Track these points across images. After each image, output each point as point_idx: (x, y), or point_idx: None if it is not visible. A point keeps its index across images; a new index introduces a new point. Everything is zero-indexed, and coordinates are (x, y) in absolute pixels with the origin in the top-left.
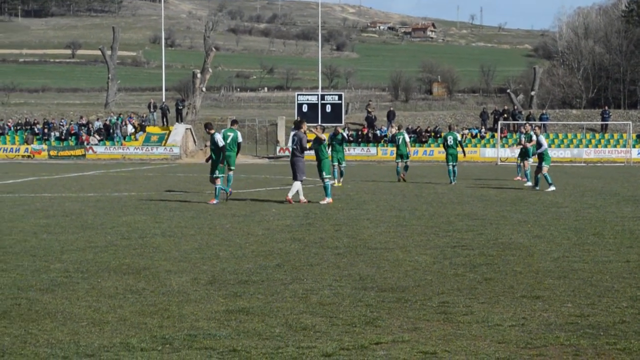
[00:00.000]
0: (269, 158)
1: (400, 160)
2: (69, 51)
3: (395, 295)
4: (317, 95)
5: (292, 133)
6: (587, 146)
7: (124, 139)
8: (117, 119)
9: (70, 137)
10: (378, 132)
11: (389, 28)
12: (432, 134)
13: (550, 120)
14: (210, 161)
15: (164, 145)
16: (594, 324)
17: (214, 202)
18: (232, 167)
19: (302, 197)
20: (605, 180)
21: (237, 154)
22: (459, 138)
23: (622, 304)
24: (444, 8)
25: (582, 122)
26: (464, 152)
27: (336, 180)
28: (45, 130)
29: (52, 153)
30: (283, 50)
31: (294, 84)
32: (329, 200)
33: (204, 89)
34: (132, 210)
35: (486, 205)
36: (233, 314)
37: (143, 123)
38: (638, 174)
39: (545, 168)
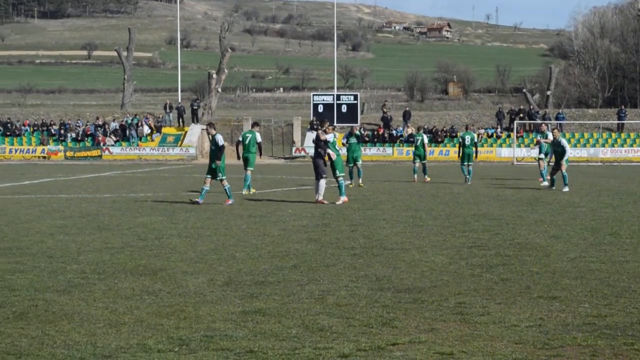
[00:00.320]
0: (285, 158)
1: (417, 161)
2: (85, 52)
3: (411, 295)
4: (333, 95)
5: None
6: (603, 145)
7: (140, 139)
8: (133, 120)
9: (86, 138)
10: (394, 132)
11: (405, 28)
12: (448, 133)
13: (567, 120)
14: (213, 163)
15: (180, 145)
16: (612, 325)
17: (230, 202)
18: (251, 168)
19: (320, 197)
20: (622, 180)
21: (257, 154)
22: (476, 139)
23: None
24: (460, 8)
25: (599, 122)
26: (476, 153)
27: (353, 181)
28: (62, 131)
29: (68, 154)
30: (298, 50)
31: (310, 84)
32: (344, 199)
33: (219, 90)
34: (149, 211)
35: (502, 205)
36: (249, 315)
37: (159, 124)
38: None
39: (564, 166)
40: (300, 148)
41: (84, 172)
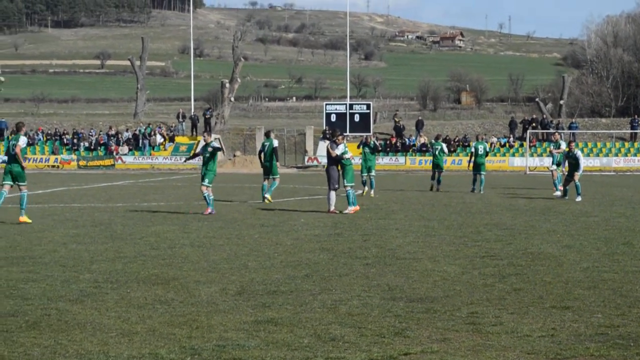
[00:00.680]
0: (298, 168)
1: (436, 170)
2: (98, 61)
3: (424, 305)
4: (346, 104)
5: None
6: (616, 155)
7: (153, 149)
8: (146, 129)
9: (99, 147)
10: (407, 141)
11: (417, 37)
12: (461, 143)
13: (580, 129)
14: (207, 168)
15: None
16: (625, 335)
17: (209, 211)
18: (277, 176)
19: (332, 208)
20: (635, 189)
21: (275, 160)
22: (488, 148)
23: None
24: (473, 17)
25: (612, 131)
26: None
27: (365, 190)
28: (75, 141)
29: (81, 163)
30: (311, 59)
31: (322, 93)
32: (352, 208)
33: (232, 99)
34: (161, 221)
35: (515, 215)
36: (262, 324)
37: (172, 133)
38: None
39: (577, 175)
40: (312, 157)
41: (97, 181)
